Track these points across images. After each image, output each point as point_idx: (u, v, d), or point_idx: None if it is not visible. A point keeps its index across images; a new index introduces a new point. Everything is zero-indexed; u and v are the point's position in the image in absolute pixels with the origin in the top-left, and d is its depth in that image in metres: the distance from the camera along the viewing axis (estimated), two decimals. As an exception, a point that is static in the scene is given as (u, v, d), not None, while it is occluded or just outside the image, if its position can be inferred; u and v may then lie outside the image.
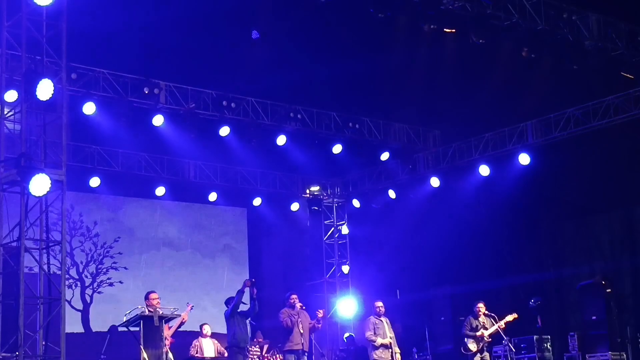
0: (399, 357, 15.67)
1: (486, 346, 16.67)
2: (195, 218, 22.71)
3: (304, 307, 15.22)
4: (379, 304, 15.89)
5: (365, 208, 22.88)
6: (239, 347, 15.23)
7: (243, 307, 15.81)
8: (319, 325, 15.26)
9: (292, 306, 14.98)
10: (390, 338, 15.53)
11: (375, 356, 15.44)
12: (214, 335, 16.71)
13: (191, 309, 15.06)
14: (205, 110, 18.26)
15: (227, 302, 15.81)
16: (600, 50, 15.98)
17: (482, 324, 16.59)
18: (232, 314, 15.28)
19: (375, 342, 15.43)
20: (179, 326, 14.92)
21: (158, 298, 13.99)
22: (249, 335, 15.71)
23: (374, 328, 15.51)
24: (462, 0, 14.44)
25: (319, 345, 16.12)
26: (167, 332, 14.24)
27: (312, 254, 23.25)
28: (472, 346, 16.57)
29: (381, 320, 15.64)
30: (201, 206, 22.41)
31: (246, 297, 15.94)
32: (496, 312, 16.97)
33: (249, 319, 17.02)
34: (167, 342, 14.16)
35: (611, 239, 19.34)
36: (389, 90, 18.44)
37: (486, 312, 16.67)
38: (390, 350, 15.42)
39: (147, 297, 13.93)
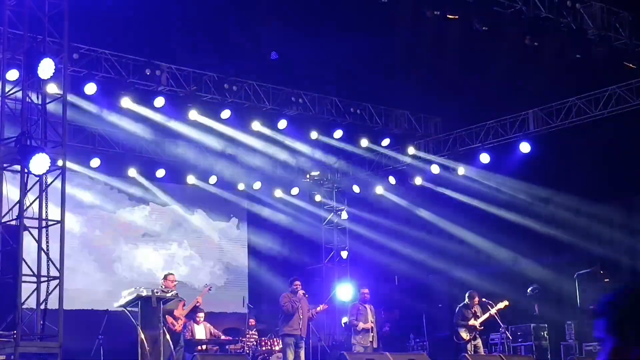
0: (376, 342, 16.03)
1: (478, 333, 16.78)
2: (194, 201, 22.70)
3: (306, 295, 15.37)
4: (365, 290, 16.31)
5: (365, 194, 22.89)
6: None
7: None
8: (315, 316, 15.60)
9: (295, 292, 15.10)
10: (372, 322, 15.89)
11: (354, 341, 15.84)
12: (208, 316, 16.75)
13: (209, 290, 15.13)
14: (206, 93, 18.24)
15: None
16: (603, 40, 15.95)
17: (474, 312, 16.71)
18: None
19: (357, 326, 15.79)
20: (194, 307, 15.01)
21: (175, 280, 14.13)
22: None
23: (357, 313, 15.91)
24: (465, -13, 14.43)
25: (317, 330, 16.17)
26: (181, 312, 14.33)
27: (311, 239, 23.26)
28: (465, 334, 16.72)
29: (365, 307, 15.96)
30: (201, 189, 22.38)
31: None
32: (493, 299, 17.05)
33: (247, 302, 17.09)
34: (180, 322, 14.25)
35: (610, 228, 19.35)
36: (391, 76, 18.40)
37: (481, 300, 16.77)
38: (370, 334, 15.81)
39: (165, 278, 14.06)
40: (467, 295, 17.01)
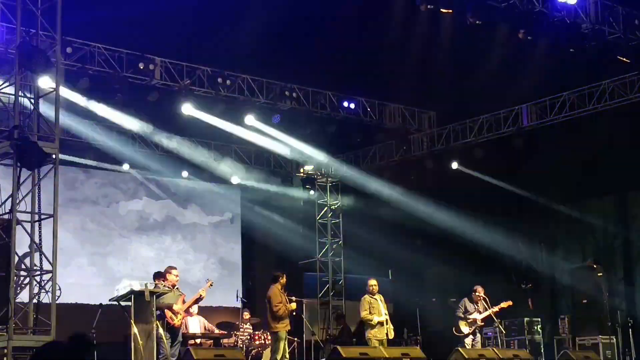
0: (392, 333, 15.71)
1: (478, 329, 16.73)
2: (188, 195, 22.68)
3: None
4: (373, 282, 15.86)
5: (359, 188, 22.86)
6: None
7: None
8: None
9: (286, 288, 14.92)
10: (385, 314, 15.57)
11: (369, 335, 15.43)
12: (202, 310, 16.73)
13: (210, 285, 15.00)
14: (200, 87, 18.21)
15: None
16: (597, 34, 15.94)
17: (476, 307, 16.64)
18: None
19: (372, 320, 15.43)
20: (196, 302, 14.88)
21: (178, 274, 14.01)
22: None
23: (369, 307, 15.52)
24: (459, -19, 14.42)
25: (309, 324, 16.12)
26: (181, 306, 14.25)
27: (305, 233, 23.23)
28: (464, 328, 16.62)
29: (376, 299, 15.65)
30: (195, 183, 22.36)
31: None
32: (488, 294, 17.03)
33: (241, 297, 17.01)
34: (180, 317, 14.17)
35: (604, 223, 19.38)
36: (385, 70, 18.39)
37: (485, 296, 16.73)
38: (385, 327, 15.45)
39: (167, 271, 13.93)
40: (474, 289, 16.88)
